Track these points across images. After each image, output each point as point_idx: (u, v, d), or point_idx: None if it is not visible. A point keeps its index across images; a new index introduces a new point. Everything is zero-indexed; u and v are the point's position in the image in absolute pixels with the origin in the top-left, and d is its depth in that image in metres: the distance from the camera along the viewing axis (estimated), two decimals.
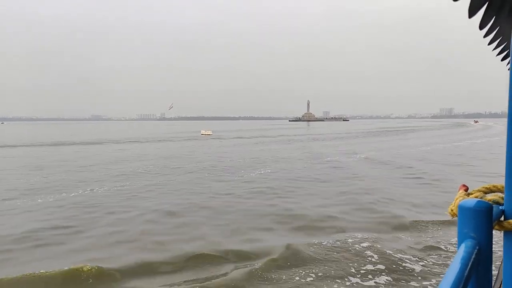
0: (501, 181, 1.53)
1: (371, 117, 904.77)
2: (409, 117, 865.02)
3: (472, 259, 1.06)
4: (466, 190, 1.59)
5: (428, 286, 7.14)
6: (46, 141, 52.90)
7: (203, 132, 67.64)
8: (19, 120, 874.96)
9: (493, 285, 1.48)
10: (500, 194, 1.52)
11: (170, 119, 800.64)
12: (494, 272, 1.53)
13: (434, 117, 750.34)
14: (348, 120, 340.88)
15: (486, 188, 1.58)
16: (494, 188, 1.58)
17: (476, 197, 1.49)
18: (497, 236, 1.40)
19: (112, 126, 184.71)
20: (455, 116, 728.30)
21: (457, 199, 1.50)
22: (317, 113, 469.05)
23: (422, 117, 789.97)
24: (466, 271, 0.98)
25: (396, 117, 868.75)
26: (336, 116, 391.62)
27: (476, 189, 1.59)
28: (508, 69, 1.47)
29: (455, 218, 1.30)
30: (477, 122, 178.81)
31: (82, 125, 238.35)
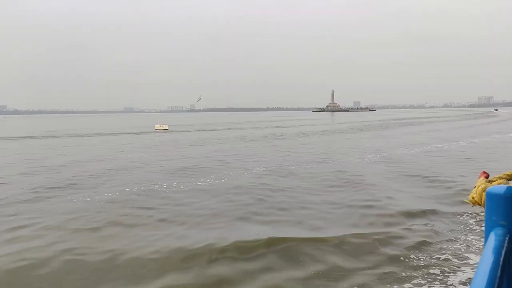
0: None
1: (404, 107, 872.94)
2: (445, 106, 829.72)
3: (505, 248, 1.01)
4: (487, 177, 1.54)
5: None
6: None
7: (157, 127, 61.03)
8: (58, 113, 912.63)
9: None
10: None
11: (199, 110, 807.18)
12: None
13: (471, 106, 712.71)
14: (375, 110, 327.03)
15: (508, 175, 1.53)
16: None
17: (500, 184, 1.43)
18: None
19: (128, 118, 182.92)
20: (494, 105, 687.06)
21: (478, 186, 1.45)
22: (348, 103, 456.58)
23: (459, 106, 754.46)
24: (501, 260, 0.93)
25: (431, 107, 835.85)
26: (363, 107, 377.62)
27: (497, 176, 1.54)
28: None
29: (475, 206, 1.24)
30: (497, 110, 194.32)
31: (121, 117, 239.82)
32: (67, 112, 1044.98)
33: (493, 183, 1.48)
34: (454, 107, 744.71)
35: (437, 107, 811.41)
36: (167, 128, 59.65)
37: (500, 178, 1.51)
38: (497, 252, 0.97)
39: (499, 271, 0.88)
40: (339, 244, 7.87)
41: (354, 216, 9.97)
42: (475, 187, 1.47)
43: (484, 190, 1.36)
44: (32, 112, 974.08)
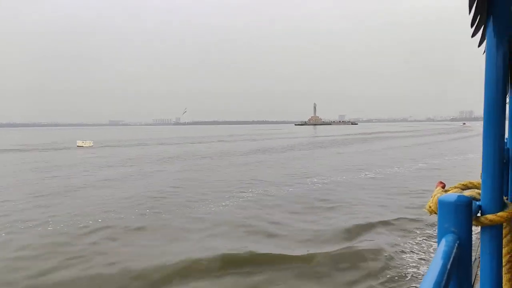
0: (477, 178, 1.57)
1: (388, 120, 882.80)
2: (428, 119, 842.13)
3: (453, 253, 1.07)
4: (443, 187, 1.59)
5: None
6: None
7: (79, 143, 56.96)
8: (41, 126, 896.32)
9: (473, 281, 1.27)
10: (477, 190, 1.54)
11: (184, 123, 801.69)
12: None
13: (453, 119, 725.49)
14: (357, 124, 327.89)
15: (463, 184, 1.61)
16: (471, 185, 1.62)
17: (455, 192, 1.49)
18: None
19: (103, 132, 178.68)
20: (476, 119, 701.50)
21: (435, 195, 1.50)
22: (333, 116, 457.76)
23: (441, 120, 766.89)
24: (449, 265, 0.98)
25: (414, 120, 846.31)
26: (346, 120, 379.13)
27: (453, 186, 1.62)
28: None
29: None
30: (464, 124, 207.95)
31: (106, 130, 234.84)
32: (50, 125, 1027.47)
33: (449, 192, 1.53)
34: (437, 120, 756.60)
35: (420, 120, 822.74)
36: (92, 144, 56.78)
37: (455, 187, 1.59)
38: (446, 257, 1.01)
39: (445, 276, 0.92)
40: None
41: None
42: (432, 196, 1.51)
43: None
44: (14, 125, 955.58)
